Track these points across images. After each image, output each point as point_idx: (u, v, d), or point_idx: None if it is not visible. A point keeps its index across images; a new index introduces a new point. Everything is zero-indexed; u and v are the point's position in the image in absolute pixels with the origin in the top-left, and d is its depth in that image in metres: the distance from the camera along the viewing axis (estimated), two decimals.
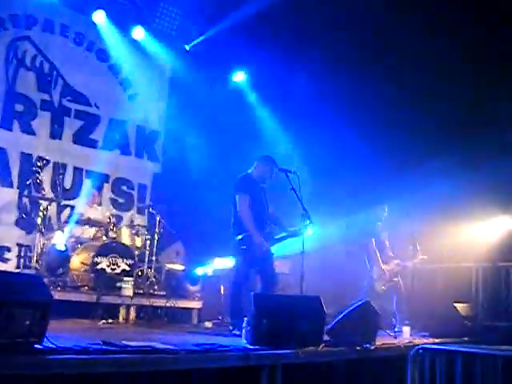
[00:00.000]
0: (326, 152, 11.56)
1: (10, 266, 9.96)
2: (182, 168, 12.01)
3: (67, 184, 11.01)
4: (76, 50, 11.41)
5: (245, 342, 6.09)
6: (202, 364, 5.02)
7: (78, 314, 8.09)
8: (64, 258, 9.19)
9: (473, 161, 10.38)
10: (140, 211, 11.85)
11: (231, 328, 7.50)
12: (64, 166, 10.88)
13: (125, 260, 9.27)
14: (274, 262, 7.87)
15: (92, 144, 11.53)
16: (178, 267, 10.66)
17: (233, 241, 7.80)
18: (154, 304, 9.09)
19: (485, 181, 10.00)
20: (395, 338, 7.84)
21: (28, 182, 9.97)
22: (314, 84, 11.62)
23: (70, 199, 10.81)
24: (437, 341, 7.81)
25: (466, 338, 8.29)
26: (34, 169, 9.73)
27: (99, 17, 11.24)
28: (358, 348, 6.46)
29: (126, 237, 10.00)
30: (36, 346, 4.16)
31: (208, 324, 9.08)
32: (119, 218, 11.09)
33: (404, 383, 6.23)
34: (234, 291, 7.76)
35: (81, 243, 9.59)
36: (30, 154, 10.58)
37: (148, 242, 10.17)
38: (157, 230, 10.15)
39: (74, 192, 11.02)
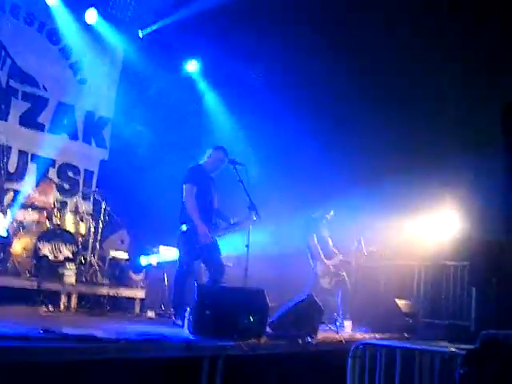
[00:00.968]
0: (274, 145, 11.60)
1: None
2: (129, 156, 11.88)
3: (11, 167, 10.78)
4: (26, 31, 11.10)
5: (187, 332, 6.08)
6: (143, 354, 4.99)
7: (18, 300, 7.92)
8: (5, 242, 8.99)
9: (420, 160, 10.53)
10: (85, 197, 11.67)
11: (173, 318, 7.47)
12: (9, 149, 10.66)
13: (68, 246, 9.14)
14: (220, 253, 7.85)
15: (39, 127, 11.29)
16: (122, 255, 10.56)
17: (177, 231, 7.77)
18: (97, 292, 8.98)
19: (432, 179, 10.16)
20: (337, 332, 7.92)
21: None
22: (266, 76, 11.62)
23: (13, 182, 10.59)
24: (377, 336, 7.93)
25: (406, 334, 8.43)
26: None
27: None
28: (300, 341, 6.50)
29: (70, 223, 9.83)
30: None
31: (150, 314, 9.03)
32: (64, 204, 10.91)
33: (344, 377, 6.28)
34: (176, 281, 7.72)
35: (23, 228, 9.40)
36: None
37: (92, 228, 10.05)
38: (102, 217, 10.04)
39: (18, 175, 10.78)
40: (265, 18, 10.94)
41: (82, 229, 10.03)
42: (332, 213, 10.12)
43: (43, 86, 11.32)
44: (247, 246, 7.38)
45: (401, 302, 9.19)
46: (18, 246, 9.02)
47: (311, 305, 7.08)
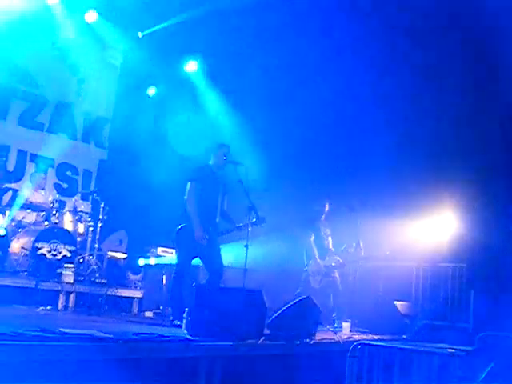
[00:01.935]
0: (275, 144, 11.58)
1: None
2: (128, 156, 11.89)
3: (10, 167, 10.78)
4: None
5: (185, 332, 6.08)
6: (142, 354, 4.99)
7: (16, 299, 7.93)
8: (3, 241, 8.99)
9: (418, 161, 10.54)
10: (84, 197, 11.66)
11: (171, 318, 7.46)
12: (7, 148, 10.68)
13: (66, 246, 9.14)
14: (220, 255, 7.81)
15: (38, 127, 11.31)
16: (121, 255, 10.58)
17: (175, 230, 7.74)
18: (95, 292, 8.97)
19: (431, 180, 10.17)
20: (335, 333, 7.92)
21: None
22: (266, 77, 11.59)
23: (12, 182, 10.60)
24: (376, 337, 7.92)
25: (404, 336, 8.44)
26: None
27: None
28: (298, 342, 6.51)
29: (68, 223, 9.85)
30: None
31: (148, 314, 9.04)
32: (62, 204, 10.89)
33: (342, 378, 6.29)
34: (175, 281, 7.69)
35: (22, 227, 9.41)
36: None
37: (91, 228, 10.04)
38: (100, 217, 10.02)
39: (16, 175, 10.79)
40: (265, 19, 10.90)
41: (81, 228, 10.04)
42: (327, 204, 10.06)
43: (42, 86, 11.31)
44: (246, 246, 7.37)
45: (399, 304, 9.20)
46: (17, 245, 9.02)
47: (309, 305, 7.08)
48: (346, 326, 8.58)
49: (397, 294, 9.85)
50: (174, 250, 10.15)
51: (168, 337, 5.54)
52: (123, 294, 9.45)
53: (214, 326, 5.89)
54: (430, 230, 11.00)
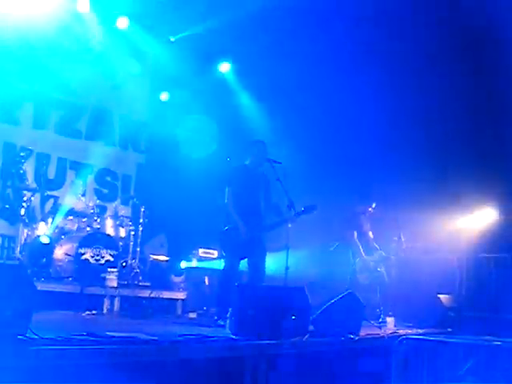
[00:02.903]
0: (311, 142, 11.54)
1: None
2: (166, 159, 11.97)
3: (51, 174, 10.94)
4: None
5: (229, 332, 6.10)
6: (186, 355, 5.02)
7: (62, 305, 8.04)
8: (48, 248, 9.13)
9: (462, 153, 10.45)
10: (124, 202, 11.77)
11: (216, 318, 7.49)
12: (48, 157, 10.84)
13: (109, 251, 9.23)
14: (264, 259, 7.75)
15: (76, 134, 11.43)
16: (162, 258, 10.65)
17: (220, 232, 7.78)
18: (139, 295, 9.04)
19: (471, 173, 10.06)
20: (379, 328, 7.88)
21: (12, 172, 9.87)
22: (301, 77, 11.54)
23: (53, 190, 10.75)
24: (420, 331, 7.86)
25: (449, 329, 8.36)
26: (17, 159, 9.68)
27: (83, 5, 11.07)
28: (343, 338, 6.49)
29: (110, 227, 9.95)
30: (19, 337, 4.14)
31: (192, 315, 9.07)
32: (103, 209, 11.01)
33: (388, 373, 6.26)
34: (222, 281, 7.74)
35: (64, 234, 9.54)
36: (14, 144, 10.47)
37: (132, 232, 10.13)
38: (141, 220, 10.11)
39: (57, 183, 10.95)
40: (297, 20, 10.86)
41: (122, 233, 10.13)
42: (374, 205, 10.04)
43: (79, 94, 11.42)
44: (287, 245, 7.35)
45: (443, 296, 9.11)
46: (60, 252, 9.15)
47: (352, 301, 7.05)
48: (391, 320, 8.53)
49: (440, 287, 9.76)
50: (215, 251, 10.25)
51: (212, 337, 5.56)
52: (167, 296, 9.50)
53: (257, 325, 5.90)
54: (473, 222, 10.90)
